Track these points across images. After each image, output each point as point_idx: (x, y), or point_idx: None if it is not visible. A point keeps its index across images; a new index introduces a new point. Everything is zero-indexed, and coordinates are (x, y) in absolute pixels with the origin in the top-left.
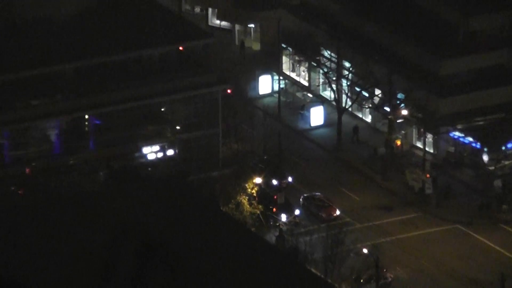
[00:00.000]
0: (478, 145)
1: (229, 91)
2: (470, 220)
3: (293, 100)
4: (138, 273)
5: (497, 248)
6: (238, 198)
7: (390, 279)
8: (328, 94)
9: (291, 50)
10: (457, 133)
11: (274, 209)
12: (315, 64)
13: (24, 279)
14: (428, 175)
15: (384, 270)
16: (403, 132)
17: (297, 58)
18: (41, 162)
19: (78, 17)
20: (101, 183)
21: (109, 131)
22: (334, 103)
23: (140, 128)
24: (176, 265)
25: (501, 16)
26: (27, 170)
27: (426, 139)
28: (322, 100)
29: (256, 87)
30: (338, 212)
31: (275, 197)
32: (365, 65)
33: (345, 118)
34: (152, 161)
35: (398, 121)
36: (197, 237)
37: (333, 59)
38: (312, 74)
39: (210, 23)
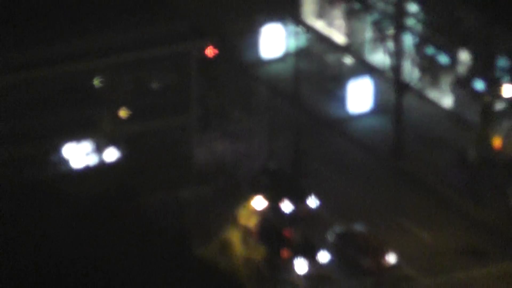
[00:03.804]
0: None
1: (210, 51)
2: None
3: (321, 69)
4: None
5: None
6: (224, 234)
7: None
8: (380, 58)
9: None
10: None
11: (286, 254)
12: (359, 6)
13: None
14: None
15: None
16: (507, 125)
17: None
18: None
19: None
20: None
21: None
22: (391, 73)
23: (58, 114)
24: None
25: None
26: None
27: None
28: (370, 69)
29: (257, 46)
30: (393, 260)
31: (287, 233)
32: (445, 8)
33: (410, 100)
34: (78, 170)
35: (499, 105)
36: None
37: None
38: (355, 24)
39: None
